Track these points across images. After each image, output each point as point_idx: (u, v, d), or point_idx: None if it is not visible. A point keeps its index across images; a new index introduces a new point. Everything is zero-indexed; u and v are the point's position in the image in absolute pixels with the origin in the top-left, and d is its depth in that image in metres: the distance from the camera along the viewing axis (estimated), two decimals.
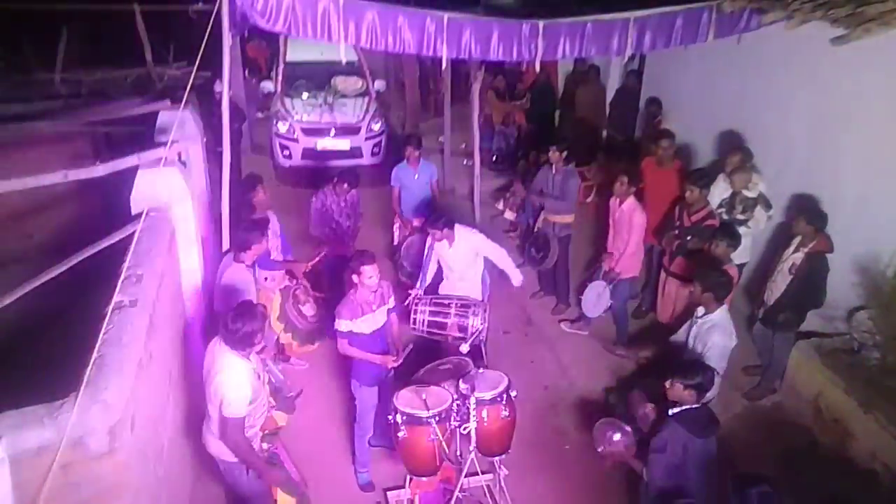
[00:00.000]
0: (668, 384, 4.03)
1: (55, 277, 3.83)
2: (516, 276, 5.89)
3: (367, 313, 4.71)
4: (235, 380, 3.74)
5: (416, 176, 7.01)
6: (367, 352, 4.77)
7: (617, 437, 4.30)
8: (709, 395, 4.20)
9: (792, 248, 5.46)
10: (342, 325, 4.69)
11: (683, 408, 4.00)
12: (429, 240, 5.81)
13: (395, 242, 7.29)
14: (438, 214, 5.70)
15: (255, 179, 5.93)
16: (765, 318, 5.75)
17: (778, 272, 5.57)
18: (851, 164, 5.77)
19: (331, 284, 6.50)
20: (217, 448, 4.04)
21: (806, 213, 5.50)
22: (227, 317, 3.79)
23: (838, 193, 5.76)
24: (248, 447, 3.89)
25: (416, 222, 7.03)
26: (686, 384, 3.96)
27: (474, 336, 5.24)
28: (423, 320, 5.59)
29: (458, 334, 5.43)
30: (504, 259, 5.81)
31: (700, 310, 4.84)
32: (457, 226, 5.63)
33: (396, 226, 7.30)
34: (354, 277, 4.64)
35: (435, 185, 7.21)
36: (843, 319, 5.65)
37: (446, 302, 5.63)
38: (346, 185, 6.46)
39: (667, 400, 4.09)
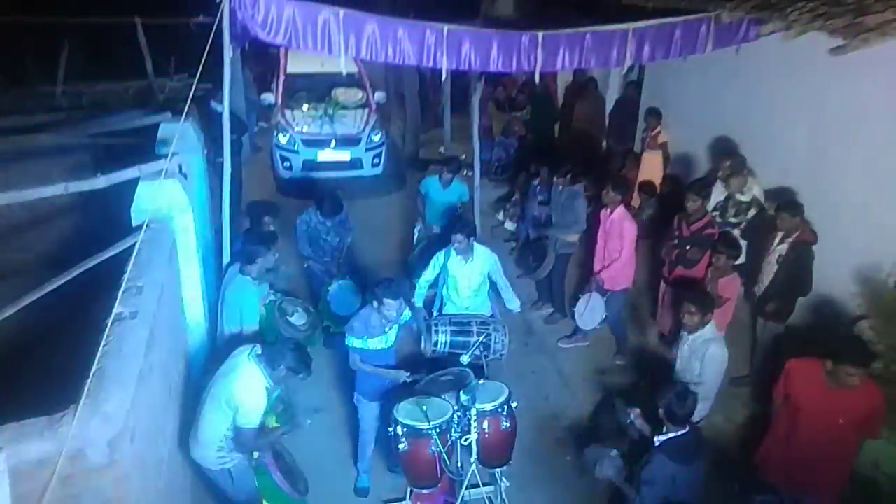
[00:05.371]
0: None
1: (56, 289, 3.83)
2: (515, 304, 5.95)
3: (378, 335, 4.71)
4: (256, 390, 3.93)
5: (443, 191, 7.26)
6: (377, 366, 4.77)
7: (605, 462, 4.23)
8: (696, 416, 4.08)
9: (777, 240, 5.59)
10: (354, 342, 4.68)
11: (669, 436, 3.87)
12: (440, 255, 5.70)
13: (415, 241, 7.55)
14: (466, 222, 5.79)
15: (265, 209, 6.04)
16: (756, 309, 5.87)
17: (766, 264, 5.70)
18: (851, 173, 5.78)
19: (314, 299, 6.49)
20: (200, 455, 4.09)
21: (784, 206, 5.61)
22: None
23: (839, 203, 5.77)
24: (261, 443, 4.21)
25: (435, 229, 7.23)
26: (659, 406, 3.88)
27: (496, 353, 5.22)
28: (446, 341, 5.25)
29: (481, 352, 5.22)
30: (507, 288, 5.84)
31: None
32: (476, 244, 5.57)
33: (418, 227, 7.55)
34: (374, 303, 4.59)
35: (466, 206, 7.43)
36: None
37: (466, 321, 5.44)
38: (330, 213, 6.40)
39: (657, 421, 3.98)
